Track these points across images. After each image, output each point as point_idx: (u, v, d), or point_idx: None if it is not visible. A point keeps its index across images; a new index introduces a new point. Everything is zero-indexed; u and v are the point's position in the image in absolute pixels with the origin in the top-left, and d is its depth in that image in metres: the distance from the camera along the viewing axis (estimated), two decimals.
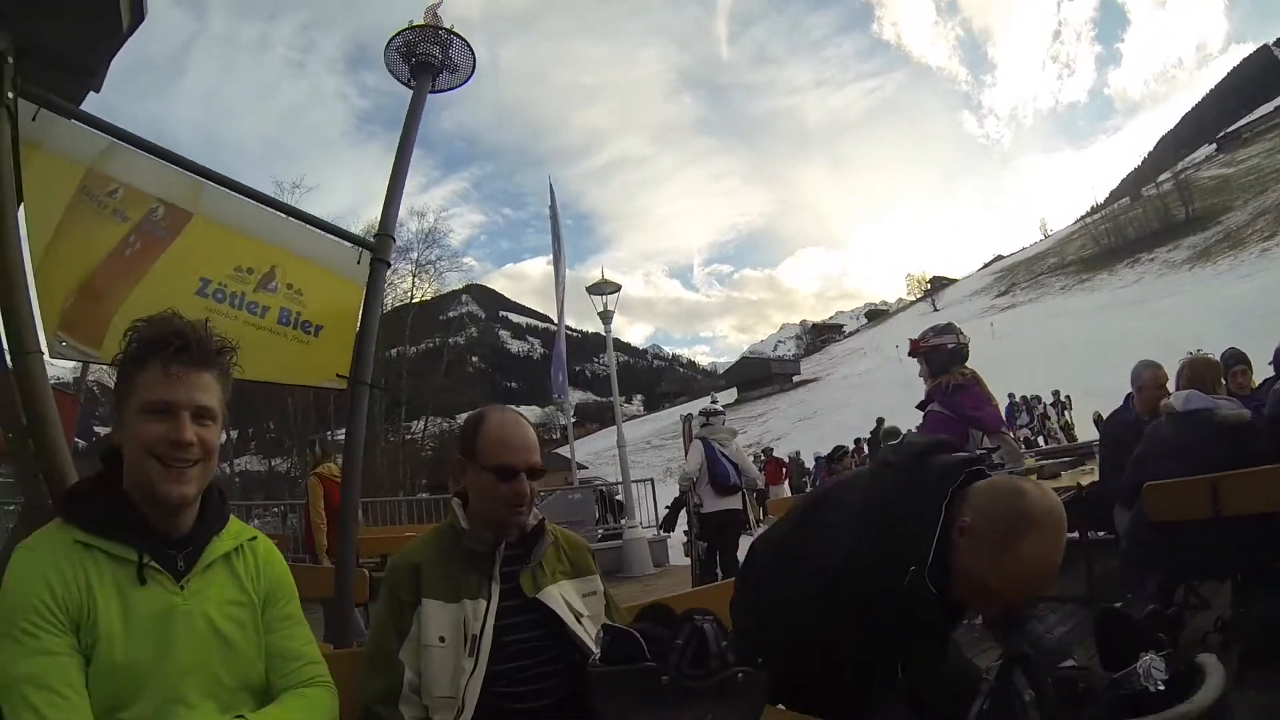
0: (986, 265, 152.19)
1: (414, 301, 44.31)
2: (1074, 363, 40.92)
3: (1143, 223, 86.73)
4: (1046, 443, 23.65)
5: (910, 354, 6.02)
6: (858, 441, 23.61)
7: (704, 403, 13.22)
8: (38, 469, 2.61)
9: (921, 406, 5.97)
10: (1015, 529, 1.82)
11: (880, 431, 19.41)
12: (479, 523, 2.25)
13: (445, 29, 4.29)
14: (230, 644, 1.71)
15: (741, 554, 8.36)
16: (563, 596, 2.25)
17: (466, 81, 4.57)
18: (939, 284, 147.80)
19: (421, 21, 4.29)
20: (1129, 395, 5.70)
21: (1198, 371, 4.93)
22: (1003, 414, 5.97)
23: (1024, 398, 27.89)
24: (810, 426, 60.42)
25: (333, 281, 3.94)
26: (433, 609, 2.11)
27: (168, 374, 1.65)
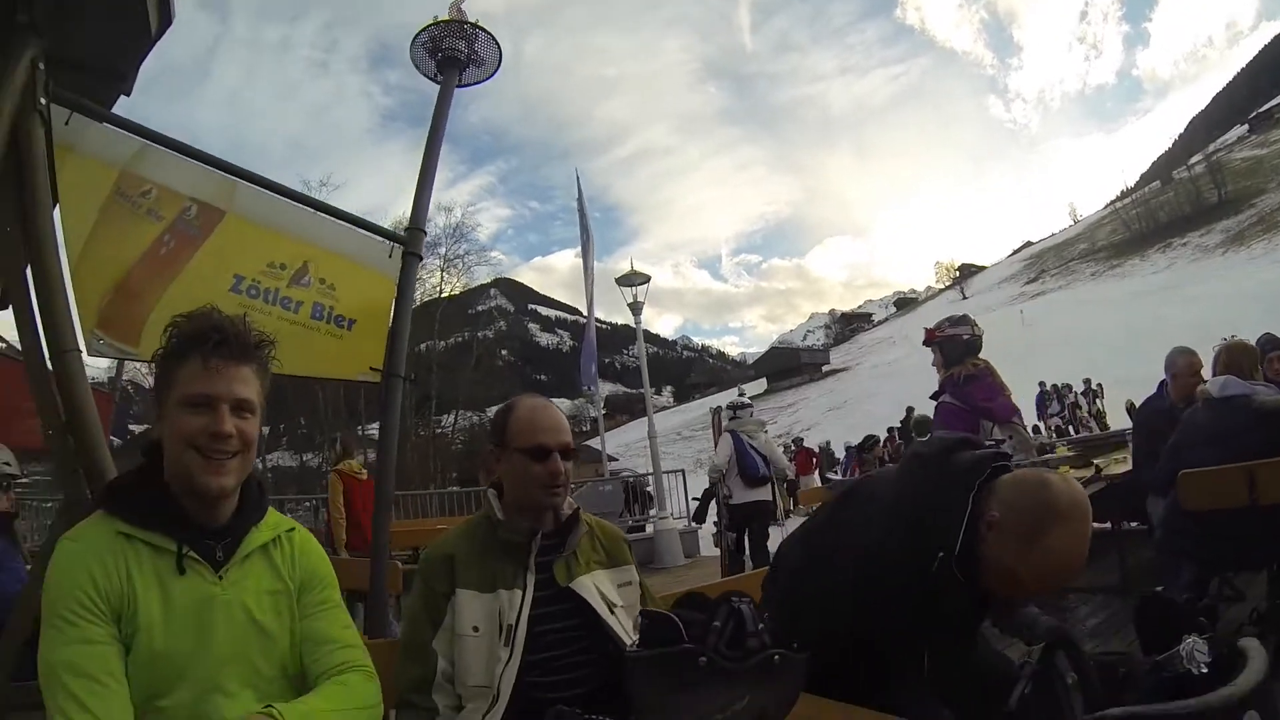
0: (1015, 252, 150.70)
1: (443, 296, 44.54)
2: (1105, 350, 40.48)
3: (1174, 206, 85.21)
4: (1077, 432, 23.42)
5: (925, 343, 6.05)
6: (890, 430, 23.45)
7: (733, 394, 13.22)
8: (77, 465, 2.64)
9: (935, 397, 5.98)
10: (1042, 522, 1.89)
11: (911, 420, 19.29)
12: (515, 512, 2.27)
13: (470, 23, 4.31)
14: (268, 633, 1.73)
15: (772, 544, 8.57)
16: (596, 586, 2.27)
17: (493, 75, 4.58)
18: (968, 271, 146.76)
19: (446, 17, 4.30)
20: (1163, 382, 5.65)
21: (1234, 357, 4.89)
22: (1018, 403, 5.93)
23: (1054, 386, 27.61)
24: (840, 416, 60.04)
25: (365, 276, 3.97)
26: (467, 599, 2.13)
27: (207, 367, 1.67)
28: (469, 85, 4.56)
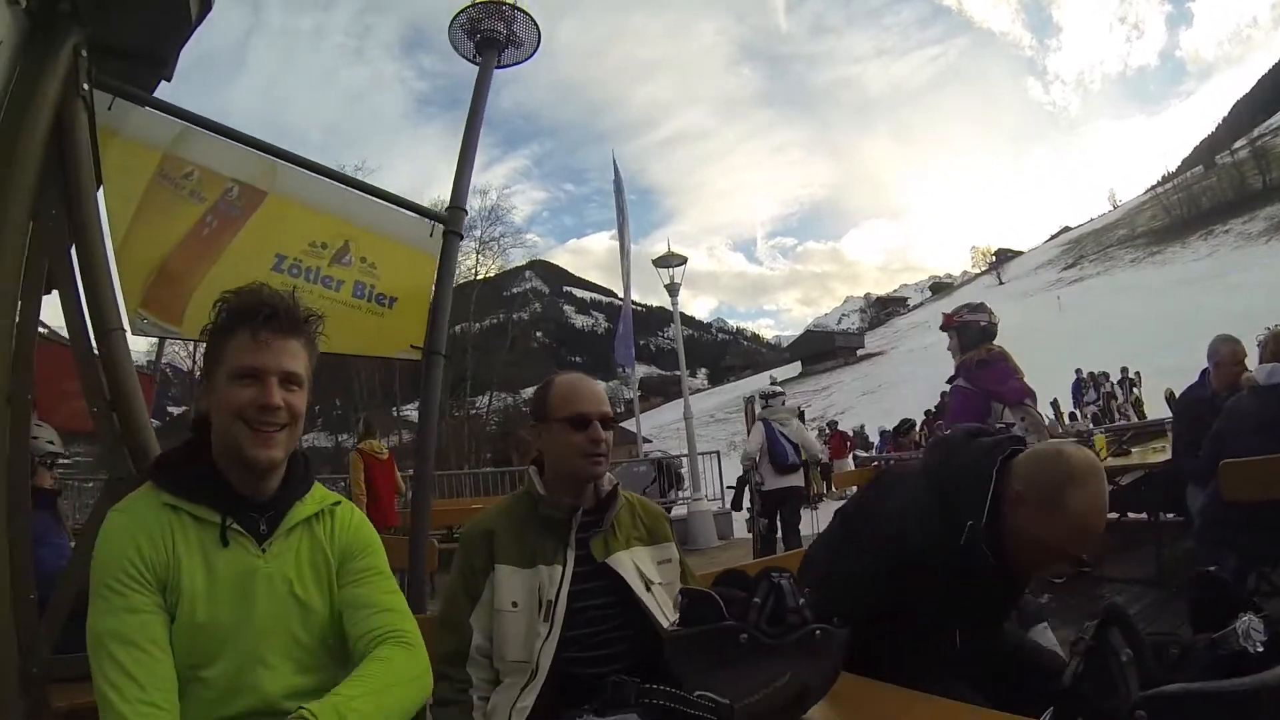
0: (1053, 237, 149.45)
1: (478, 278, 44.59)
2: (1144, 338, 40.10)
3: (1217, 192, 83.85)
4: (1113, 421, 23.14)
5: (942, 328, 6.08)
6: (926, 414, 23.33)
7: (766, 379, 13.27)
8: (122, 442, 2.68)
9: (950, 381, 6.01)
10: (1061, 487, 2.01)
11: (945, 405, 19.20)
12: (556, 487, 2.29)
13: (509, 4, 4.33)
14: (309, 607, 1.74)
15: (804, 527, 8.88)
16: (635, 563, 2.28)
17: (531, 56, 4.60)
18: (1004, 256, 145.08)
19: None
20: (1204, 371, 5.60)
21: None
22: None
23: (1091, 374, 27.33)
24: (874, 400, 59.85)
25: (406, 254, 4.01)
26: (506, 574, 2.16)
27: (257, 341, 1.69)
28: (508, 66, 4.60)
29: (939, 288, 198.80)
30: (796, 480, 9.17)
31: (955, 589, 2.10)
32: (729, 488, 14.62)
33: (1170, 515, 6.56)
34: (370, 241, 3.84)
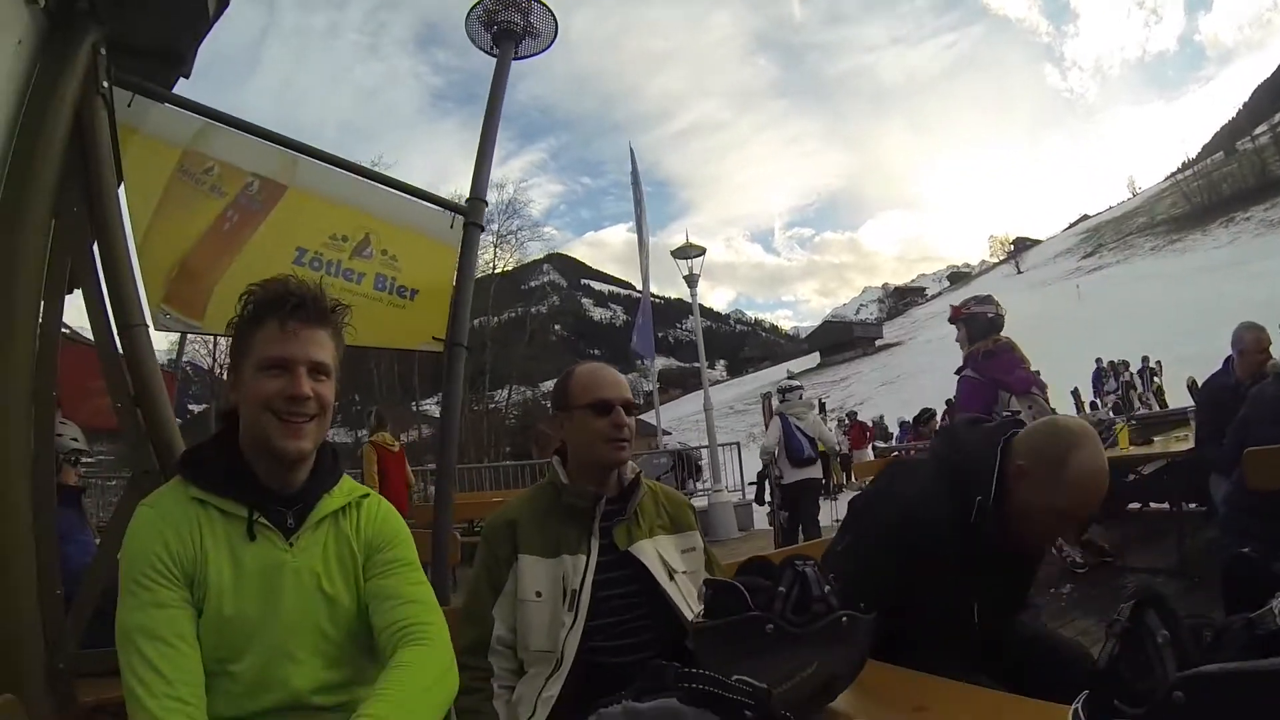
0: (1072, 225, 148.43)
1: (496, 272, 44.72)
2: (1165, 327, 39.83)
3: (1238, 179, 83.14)
4: (1134, 410, 22.97)
5: (951, 320, 6.19)
6: (948, 403, 23.23)
7: (784, 371, 13.35)
8: (147, 437, 2.70)
9: (959, 372, 6.06)
10: (1061, 452, 2.10)
11: None
12: (580, 475, 2.30)
13: None
14: (336, 601, 1.74)
15: (822, 518, 9.16)
16: (658, 551, 2.29)
17: (549, 47, 4.60)
18: (1022, 245, 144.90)
19: None
20: (1228, 359, 5.56)
21: None
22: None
23: (1111, 363, 27.17)
24: (893, 390, 59.79)
25: (427, 246, 4.01)
26: (529, 563, 2.16)
27: (284, 330, 1.68)
28: (526, 57, 4.59)
29: (957, 277, 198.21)
30: (814, 472, 9.35)
31: (969, 566, 2.15)
32: (750, 484, 14.69)
33: (1193, 505, 6.53)
34: (391, 234, 3.84)
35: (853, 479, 16.40)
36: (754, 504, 13.97)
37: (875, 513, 2.46)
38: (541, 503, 2.30)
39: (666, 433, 29.95)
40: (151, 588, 1.57)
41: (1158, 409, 20.42)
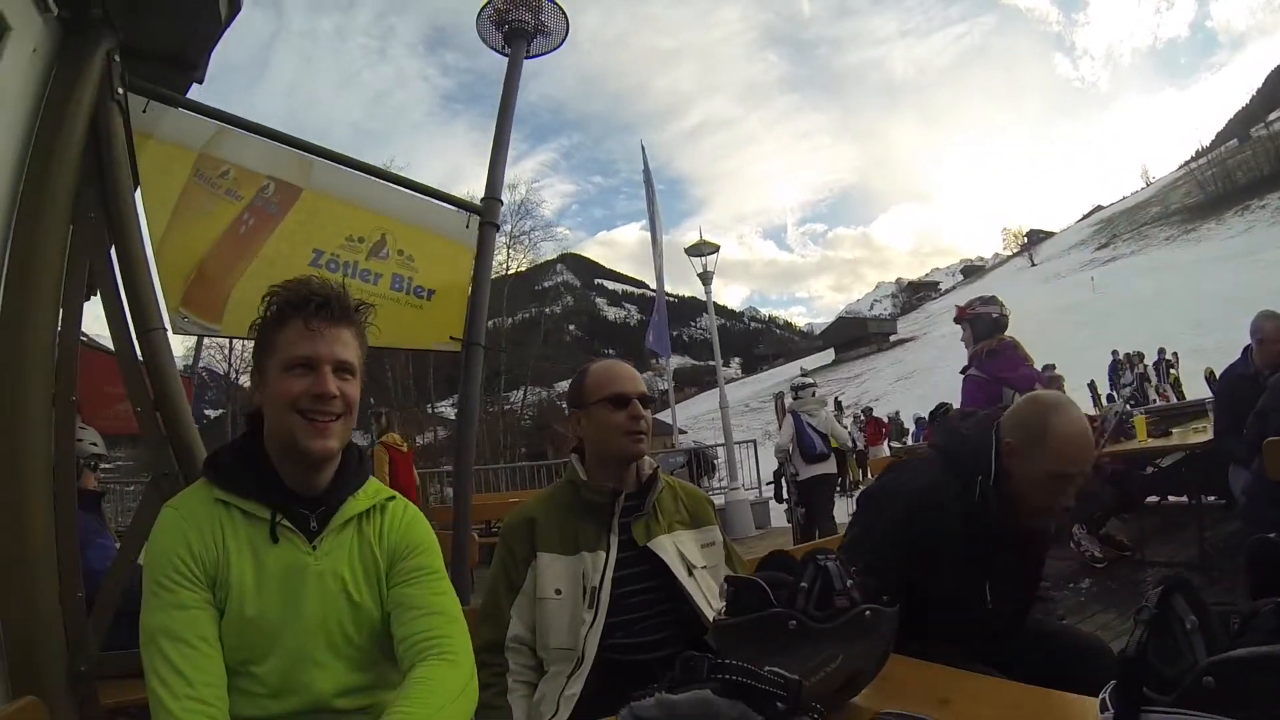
0: (1086, 216, 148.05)
1: (509, 273, 44.75)
2: (1181, 318, 39.58)
3: (1252, 166, 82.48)
4: (1148, 402, 22.80)
5: (956, 320, 6.19)
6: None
7: (798, 368, 13.34)
8: (166, 440, 2.71)
9: (964, 371, 6.08)
10: (1042, 419, 2.23)
11: None
12: (598, 472, 2.30)
13: None
14: (359, 605, 1.73)
15: (838, 514, 9.26)
16: (677, 547, 2.28)
17: (561, 44, 4.62)
18: (1036, 237, 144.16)
19: None
20: (1247, 348, 5.51)
21: None
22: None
23: (1127, 355, 26.99)
24: (909, 386, 59.57)
25: (443, 246, 4.04)
26: (548, 561, 2.17)
27: (309, 329, 1.67)
28: (537, 55, 4.61)
29: (971, 271, 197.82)
30: (827, 468, 9.45)
31: (978, 548, 2.25)
32: (768, 482, 14.69)
33: (1212, 498, 6.49)
34: (407, 234, 3.86)
35: (869, 475, 16.32)
36: (772, 501, 13.95)
37: (880, 507, 2.48)
38: (560, 500, 2.30)
39: (682, 431, 29.92)
40: (173, 589, 1.57)
41: (1175, 401, 20.29)
